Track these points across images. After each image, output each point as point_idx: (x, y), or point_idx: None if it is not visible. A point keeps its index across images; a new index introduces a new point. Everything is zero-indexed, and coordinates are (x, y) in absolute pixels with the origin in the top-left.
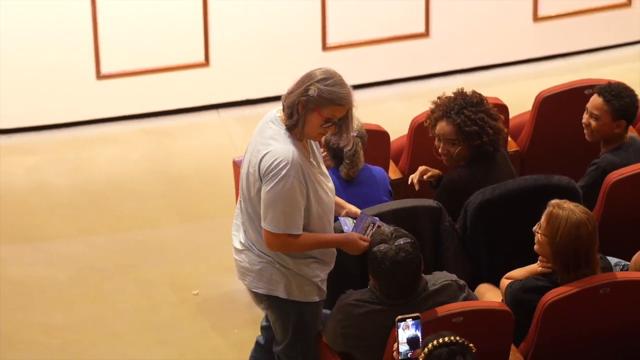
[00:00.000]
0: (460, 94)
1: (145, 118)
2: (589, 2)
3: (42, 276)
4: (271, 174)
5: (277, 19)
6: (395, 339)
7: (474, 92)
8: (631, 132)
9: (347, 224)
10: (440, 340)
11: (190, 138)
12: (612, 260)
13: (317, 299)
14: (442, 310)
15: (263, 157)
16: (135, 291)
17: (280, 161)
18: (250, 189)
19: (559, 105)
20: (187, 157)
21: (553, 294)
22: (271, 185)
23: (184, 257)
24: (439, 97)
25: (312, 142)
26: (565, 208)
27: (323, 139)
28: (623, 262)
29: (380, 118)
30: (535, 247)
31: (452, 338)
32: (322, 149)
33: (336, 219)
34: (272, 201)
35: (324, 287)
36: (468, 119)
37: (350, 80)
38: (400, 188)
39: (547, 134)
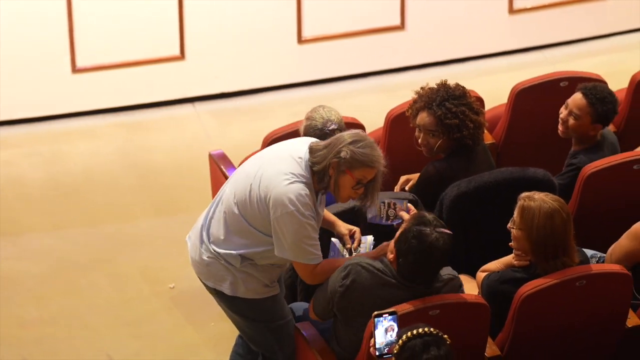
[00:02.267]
0: (443, 86)
1: (121, 111)
2: None
3: (16, 270)
4: (284, 213)
5: (253, 12)
6: (372, 335)
7: (457, 84)
8: None
9: (336, 249)
10: (415, 332)
11: (166, 131)
12: (589, 252)
13: (267, 295)
14: (419, 303)
15: (274, 194)
16: (110, 285)
17: (290, 199)
18: (249, 202)
19: (535, 98)
20: (162, 150)
21: (529, 287)
22: (284, 223)
23: (159, 250)
24: (422, 88)
25: (321, 204)
26: (535, 199)
27: (302, 131)
28: (599, 254)
29: (356, 111)
30: (512, 243)
31: (426, 329)
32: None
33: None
34: (293, 240)
35: (276, 285)
36: (449, 112)
37: (325, 73)
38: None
39: (523, 126)
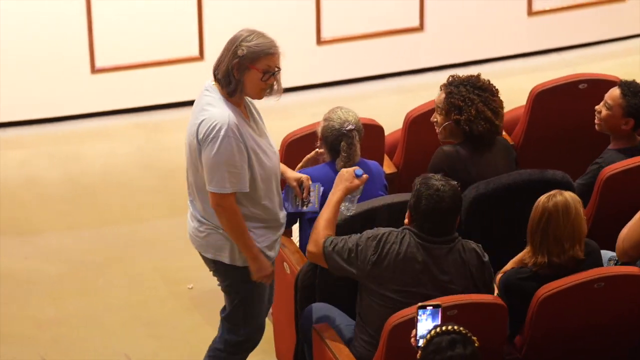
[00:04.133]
0: (475, 76)
1: (139, 112)
2: None
3: (33, 270)
4: (210, 138)
5: (272, 13)
6: (415, 325)
7: (487, 80)
8: None
9: (290, 196)
10: (444, 328)
11: (184, 132)
12: (607, 254)
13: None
14: (434, 301)
15: (200, 123)
16: (127, 285)
17: (216, 124)
18: (192, 157)
19: (553, 100)
20: (180, 151)
21: (548, 288)
22: (211, 148)
23: (175, 250)
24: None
25: (253, 108)
26: (549, 194)
27: (320, 132)
28: (610, 253)
29: (374, 112)
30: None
31: (456, 327)
32: (318, 143)
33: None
34: (214, 164)
35: (272, 252)
36: (459, 94)
37: (344, 74)
38: (395, 182)
39: (541, 128)
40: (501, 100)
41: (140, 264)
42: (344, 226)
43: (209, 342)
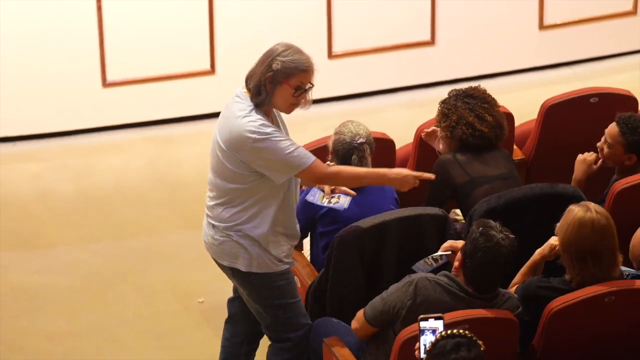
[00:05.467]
0: (473, 87)
1: (151, 125)
2: (595, 11)
3: (46, 283)
4: (258, 141)
5: (283, 27)
6: (418, 338)
7: (483, 90)
8: None
9: (316, 195)
10: (450, 332)
11: (196, 146)
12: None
13: (281, 267)
14: (447, 317)
15: (234, 130)
16: (138, 298)
17: (249, 132)
18: (219, 160)
19: (565, 114)
20: (192, 164)
21: (558, 302)
22: (266, 149)
23: (187, 264)
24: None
25: (279, 119)
26: (582, 205)
27: (331, 146)
28: (630, 270)
29: (385, 126)
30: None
31: (461, 331)
32: (329, 157)
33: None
34: (278, 158)
35: (290, 259)
36: (448, 103)
37: (355, 88)
38: (405, 196)
39: (553, 142)
40: (496, 109)
41: (152, 277)
42: (354, 239)
43: (218, 356)
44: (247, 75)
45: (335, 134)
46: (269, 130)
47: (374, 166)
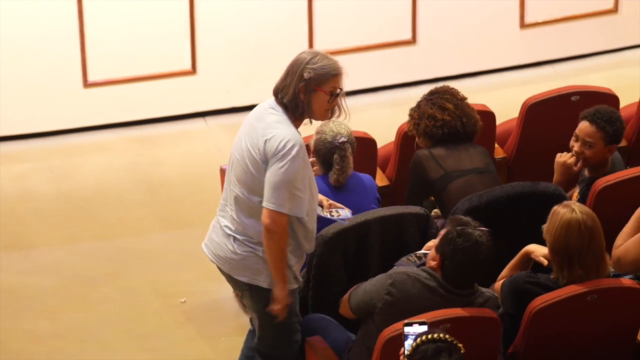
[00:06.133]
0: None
1: (132, 126)
2: (576, 9)
3: (28, 284)
4: (280, 155)
5: (264, 27)
6: (402, 343)
7: (446, 86)
8: None
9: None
10: (430, 336)
11: (177, 146)
12: None
13: (295, 286)
14: (429, 316)
15: (269, 139)
16: (121, 299)
17: (289, 142)
18: (251, 172)
19: (546, 112)
20: (173, 164)
21: (540, 301)
22: (280, 165)
23: (170, 264)
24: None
25: None
26: (567, 206)
27: (312, 145)
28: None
29: (367, 125)
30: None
31: (442, 335)
32: (311, 156)
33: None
34: (280, 181)
35: (300, 280)
36: (414, 106)
37: None
38: (387, 195)
39: (534, 140)
40: (461, 100)
41: (134, 277)
42: (336, 238)
43: (202, 356)
44: (276, 89)
45: (317, 133)
46: (303, 154)
47: (355, 164)
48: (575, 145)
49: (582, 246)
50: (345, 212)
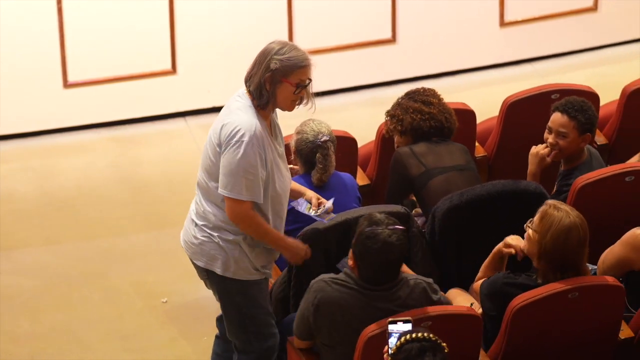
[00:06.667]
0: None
1: (112, 126)
2: (556, 7)
3: (9, 285)
4: (233, 142)
5: (244, 26)
6: (386, 341)
7: (419, 88)
8: None
9: (302, 205)
10: (414, 335)
11: (158, 146)
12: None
13: (256, 277)
14: (411, 314)
15: (224, 125)
16: (102, 299)
17: (240, 129)
18: (210, 157)
19: (526, 110)
20: (154, 164)
21: (522, 299)
22: (232, 152)
23: (151, 264)
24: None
25: (278, 130)
26: (561, 209)
27: (293, 145)
28: (591, 266)
29: (347, 124)
30: (523, 243)
31: (425, 334)
32: (292, 156)
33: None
34: (233, 169)
35: (267, 270)
36: (392, 107)
37: (316, 87)
38: (368, 194)
39: (515, 138)
40: (440, 99)
41: (116, 277)
42: (316, 238)
43: (184, 356)
44: (245, 77)
45: (297, 133)
46: (258, 145)
47: (336, 164)
48: (550, 137)
49: (579, 250)
50: (329, 206)
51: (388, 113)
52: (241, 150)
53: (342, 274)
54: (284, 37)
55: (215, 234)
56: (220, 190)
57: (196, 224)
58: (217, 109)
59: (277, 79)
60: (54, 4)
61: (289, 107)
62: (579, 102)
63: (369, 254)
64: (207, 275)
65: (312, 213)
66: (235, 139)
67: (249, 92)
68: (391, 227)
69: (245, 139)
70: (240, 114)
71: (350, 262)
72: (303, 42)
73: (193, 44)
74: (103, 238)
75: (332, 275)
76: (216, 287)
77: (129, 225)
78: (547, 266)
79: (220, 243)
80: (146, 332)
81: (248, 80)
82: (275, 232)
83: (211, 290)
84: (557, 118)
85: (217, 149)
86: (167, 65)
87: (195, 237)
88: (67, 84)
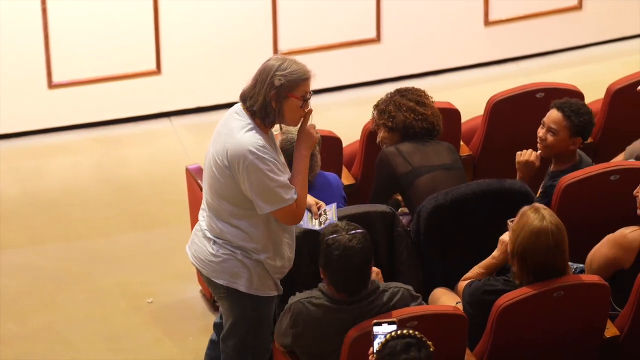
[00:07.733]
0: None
1: (97, 126)
2: (540, 6)
3: None
4: (245, 165)
5: (228, 27)
6: (371, 343)
7: (410, 87)
8: None
9: (304, 218)
10: (399, 332)
11: (142, 146)
12: (572, 265)
13: (275, 293)
14: (397, 314)
15: (229, 149)
16: (88, 300)
17: (247, 152)
18: (218, 178)
19: (511, 109)
20: (139, 165)
21: (507, 298)
22: (251, 176)
23: (137, 265)
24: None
25: (274, 141)
26: (538, 212)
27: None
28: (577, 265)
29: (332, 124)
30: (503, 235)
31: (411, 332)
32: None
33: None
34: (262, 188)
35: (280, 287)
36: (382, 101)
37: None
38: (353, 194)
39: (499, 138)
40: (429, 101)
41: (101, 278)
42: (304, 238)
43: (170, 356)
44: (243, 95)
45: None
46: (268, 155)
47: (321, 163)
48: (541, 132)
49: (549, 257)
50: (331, 214)
51: (378, 108)
52: (257, 170)
53: (316, 291)
54: (268, 37)
55: (238, 252)
56: (267, 211)
57: (215, 242)
58: (201, 109)
59: (282, 95)
60: (38, 5)
61: (296, 122)
62: (578, 105)
63: (333, 261)
64: (227, 293)
65: (315, 226)
66: (247, 163)
67: (249, 110)
68: (351, 232)
69: (254, 158)
70: (242, 134)
71: (322, 275)
72: (287, 42)
73: (178, 44)
74: (88, 238)
75: (307, 294)
76: (235, 304)
77: (114, 226)
78: (518, 266)
79: (244, 261)
80: (132, 332)
81: (249, 99)
82: (298, 162)
83: (225, 306)
84: (552, 114)
85: (227, 172)
86: (152, 66)
87: (215, 255)
88: (51, 85)
